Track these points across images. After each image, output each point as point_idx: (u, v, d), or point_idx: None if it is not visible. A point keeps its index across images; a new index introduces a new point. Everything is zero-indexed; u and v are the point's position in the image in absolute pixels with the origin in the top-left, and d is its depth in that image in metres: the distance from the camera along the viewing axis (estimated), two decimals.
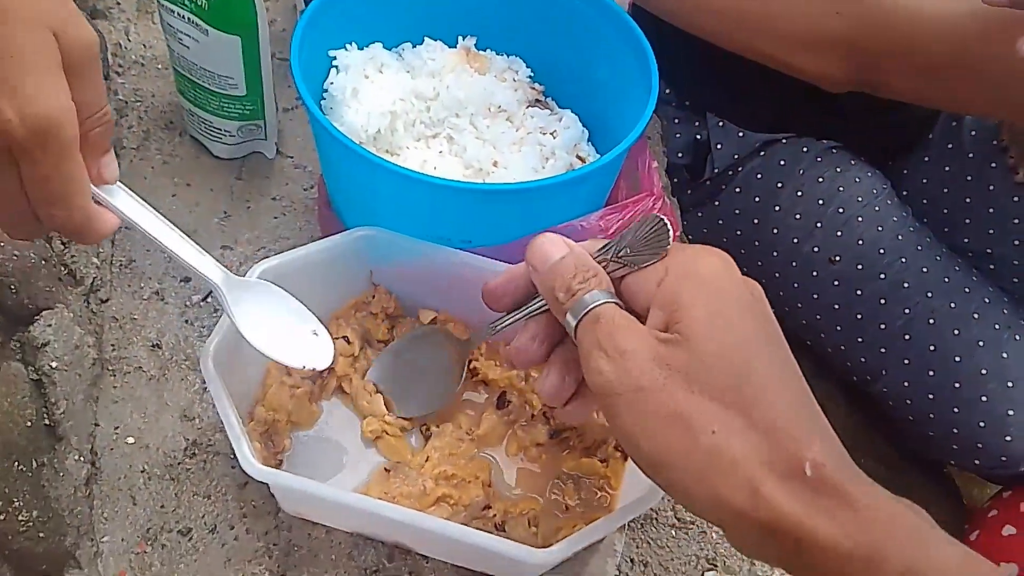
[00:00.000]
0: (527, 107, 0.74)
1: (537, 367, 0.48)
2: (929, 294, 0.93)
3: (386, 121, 0.70)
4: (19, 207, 0.42)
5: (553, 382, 0.45)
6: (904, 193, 1.02)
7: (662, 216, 0.42)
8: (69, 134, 0.41)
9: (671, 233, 0.42)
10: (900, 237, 0.96)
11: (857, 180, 0.99)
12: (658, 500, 0.53)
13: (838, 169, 0.99)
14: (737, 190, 1.02)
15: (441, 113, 0.73)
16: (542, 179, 0.65)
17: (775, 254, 1.00)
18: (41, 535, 0.58)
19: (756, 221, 1.01)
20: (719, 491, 0.36)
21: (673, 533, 0.67)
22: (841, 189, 0.98)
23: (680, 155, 1.05)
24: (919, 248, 0.95)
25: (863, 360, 0.97)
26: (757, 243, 1.01)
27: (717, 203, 1.04)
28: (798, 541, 0.35)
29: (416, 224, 0.65)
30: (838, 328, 0.98)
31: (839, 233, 0.96)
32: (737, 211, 1.02)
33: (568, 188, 0.64)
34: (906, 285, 0.94)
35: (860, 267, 0.95)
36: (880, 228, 0.96)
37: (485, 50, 0.78)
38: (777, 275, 1.00)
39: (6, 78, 0.38)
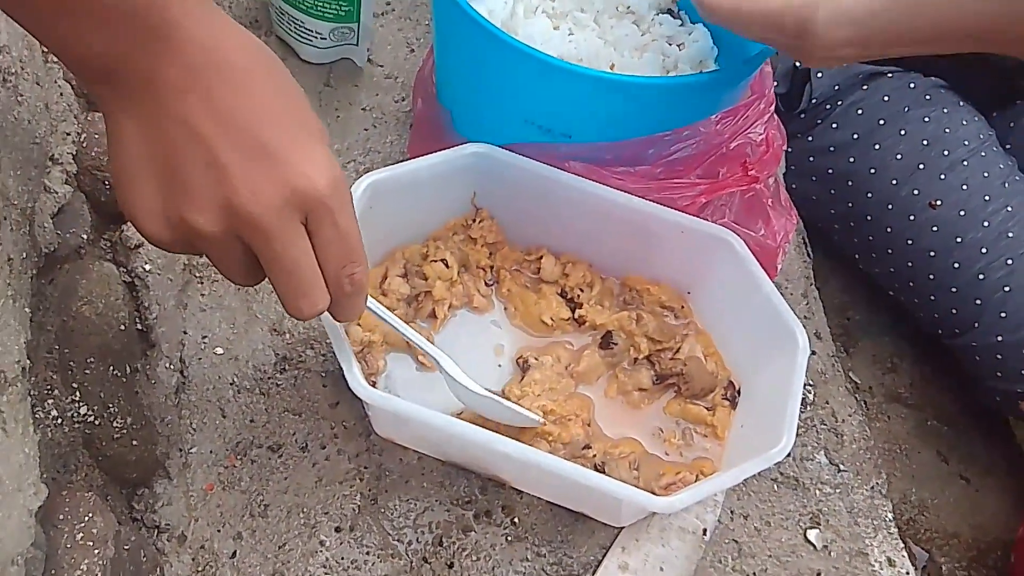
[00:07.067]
0: (657, 13, 0.69)
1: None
2: None
3: (509, 3, 0.66)
4: (310, 274, 0.44)
5: None
6: (1007, 146, 0.97)
7: None
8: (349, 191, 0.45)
9: None
10: (1007, 185, 0.91)
11: (964, 123, 0.94)
12: (784, 455, 0.51)
13: (945, 110, 0.94)
14: (834, 125, 0.97)
15: (567, 5, 0.68)
16: (678, 76, 0.62)
17: (869, 195, 0.95)
18: (134, 443, 0.57)
19: (852, 159, 0.96)
20: None
21: (775, 488, 0.65)
22: (948, 131, 0.93)
23: (776, 83, 0.99)
24: None
25: (954, 311, 0.93)
26: (850, 183, 0.96)
27: (811, 138, 0.99)
28: None
29: (520, 108, 0.62)
30: (930, 276, 0.94)
31: (943, 176, 0.92)
32: (832, 148, 0.97)
33: (701, 92, 0.61)
34: (1010, 235, 0.89)
35: (962, 213, 0.90)
36: (986, 175, 0.91)
37: None
38: (869, 217, 0.96)
39: (309, 148, 0.42)
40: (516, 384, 0.62)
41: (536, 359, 0.63)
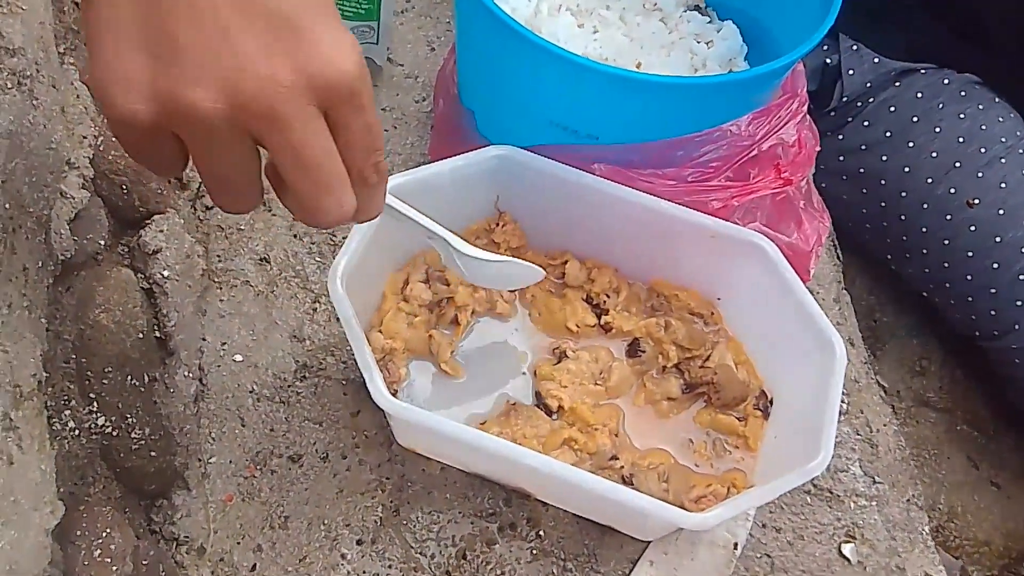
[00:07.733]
0: (684, 10, 0.67)
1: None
2: None
3: (532, 0, 0.65)
4: (335, 167, 0.38)
5: None
6: None
7: None
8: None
9: None
10: None
11: (1001, 120, 0.91)
12: (822, 469, 0.49)
13: (980, 106, 0.91)
14: (866, 123, 0.94)
15: (591, 2, 0.67)
16: (709, 76, 0.61)
17: (903, 195, 0.93)
18: (153, 454, 0.56)
19: (884, 158, 0.94)
20: None
21: (808, 500, 0.63)
22: (984, 128, 0.90)
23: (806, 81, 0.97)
24: None
25: (992, 313, 0.90)
26: (883, 182, 0.94)
27: (841, 136, 0.96)
28: None
29: (545, 108, 0.60)
30: (968, 277, 0.91)
31: (980, 175, 0.89)
32: (863, 146, 0.95)
33: (733, 92, 0.59)
34: None
35: (1001, 212, 0.88)
36: None
37: None
38: (903, 217, 0.93)
39: (334, 27, 0.36)
40: (549, 365, 0.61)
41: (574, 352, 0.61)
